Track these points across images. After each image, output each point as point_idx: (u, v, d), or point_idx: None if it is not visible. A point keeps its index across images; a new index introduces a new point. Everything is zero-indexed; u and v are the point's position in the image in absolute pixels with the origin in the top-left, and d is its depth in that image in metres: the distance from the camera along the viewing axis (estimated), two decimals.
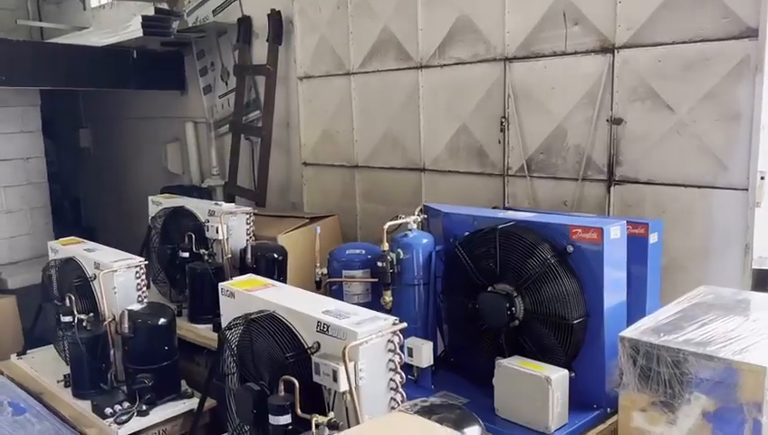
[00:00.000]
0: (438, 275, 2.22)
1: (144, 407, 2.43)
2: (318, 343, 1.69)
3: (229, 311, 2.02)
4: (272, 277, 2.84)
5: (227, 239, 3.08)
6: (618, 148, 2.62)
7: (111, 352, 2.61)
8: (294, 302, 1.86)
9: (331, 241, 3.33)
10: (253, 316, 1.82)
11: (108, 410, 2.40)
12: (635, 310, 2.05)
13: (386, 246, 2.10)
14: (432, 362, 2.00)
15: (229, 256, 3.03)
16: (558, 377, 1.73)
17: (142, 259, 2.75)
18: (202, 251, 3.06)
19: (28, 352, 3.09)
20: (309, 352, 1.70)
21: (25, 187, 5.40)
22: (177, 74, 5.05)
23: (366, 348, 1.59)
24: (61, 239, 3.12)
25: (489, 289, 1.94)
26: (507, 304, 1.87)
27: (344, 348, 1.53)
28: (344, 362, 1.52)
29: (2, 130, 5.18)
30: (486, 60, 2.96)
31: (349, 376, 1.53)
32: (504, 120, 2.92)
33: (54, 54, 4.43)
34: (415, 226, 2.19)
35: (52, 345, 3.14)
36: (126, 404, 2.45)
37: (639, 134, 2.56)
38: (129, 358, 2.49)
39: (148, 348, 2.48)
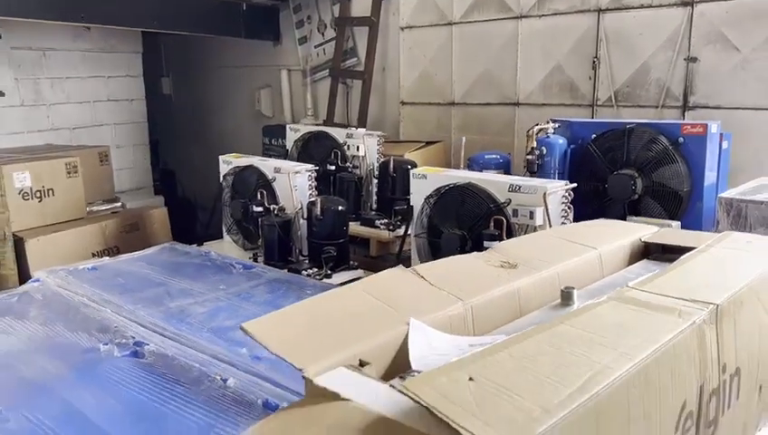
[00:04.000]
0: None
1: (329, 272, 3.19)
2: (509, 199, 2.44)
3: (422, 189, 2.75)
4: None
5: (365, 156, 3.82)
6: (692, 81, 3.35)
7: (299, 233, 3.36)
8: (480, 175, 2.61)
9: (438, 162, 4.07)
10: (458, 184, 2.56)
11: (304, 273, 3.16)
12: None
13: (534, 144, 2.83)
14: None
15: (371, 168, 3.76)
16: (676, 224, 2.49)
17: (313, 167, 3.47)
18: (347, 165, 3.79)
19: (204, 243, 3.83)
20: (503, 205, 2.45)
21: (129, 125, 6.11)
22: (272, 26, 5.71)
23: (552, 197, 2.33)
24: (229, 154, 3.83)
25: (615, 173, 2.69)
26: (631, 183, 2.62)
27: (544, 193, 2.27)
28: (545, 203, 2.27)
29: (113, 74, 5.87)
30: (582, 11, 3.67)
31: (545, 214, 2.28)
32: (595, 59, 3.63)
33: (180, 2, 5.04)
34: (552, 130, 2.92)
35: (219, 240, 3.90)
36: (314, 269, 3.20)
37: (710, 69, 3.29)
38: (317, 235, 3.23)
39: (332, 227, 3.22)
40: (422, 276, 1.35)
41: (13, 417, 1.66)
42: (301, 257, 3.35)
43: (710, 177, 2.62)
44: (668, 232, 1.83)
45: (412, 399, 0.82)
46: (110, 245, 4.00)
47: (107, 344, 2.09)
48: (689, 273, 1.40)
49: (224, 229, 3.81)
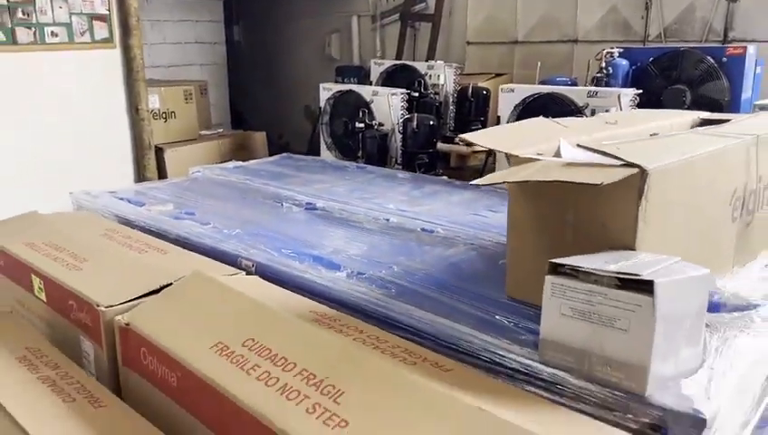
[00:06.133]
0: None
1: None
2: (587, 103, 3.07)
3: (510, 101, 3.39)
4: (486, 107, 4.25)
5: (445, 84, 4.45)
6: (732, 18, 3.93)
7: (394, 145, 4.03)
8: (561, 87, 3.24)
9: None
10: (543, 93, 3.20)
11: None
12: None
13: (603, 64, 3.45)
14: None
15: (453, 94, 4.41)
16: None
17: (405, 91, 4.12)
18: (429, 91, 4.43)
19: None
20: (582, 108, 3.09)
21: (212, 66, 6.77)
22: None
23: (624, 99, 2.97)
24: (326, 84, 4.48)
25: (669, 87, 3.31)
26: (683, 95, 3.25)
27: (618, 95, 2.91)
28: (618, 103, 2.90)
29: (200, 18, 6.51)
30: None
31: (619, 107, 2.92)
32: (648, 1, 4.21)
33: None
34: (617, 54, 3.53)
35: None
36: (408, 174, 3.87)
37: (748, 8, 3.86)
38: (412, 145, 3.90)
39: (425, 138, 3.89)
40: (557, 123, 2.00)
41: (257, 248, 2.35)
42: (396, 166, 4.02)
43: (746, 92, 3.23)
44: (719, 114, 2.46)
45: (592, 150, 1.49)
46: (225, 159, 4.68)
47: (286, 204, 2.79)
48: (738, 124, 2.04)
49: (322, 146, 4.48)
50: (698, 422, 1.15)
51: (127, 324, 1.59)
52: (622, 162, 1.42)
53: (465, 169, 4.16)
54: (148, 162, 4.07)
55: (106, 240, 2.22)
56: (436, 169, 3.98)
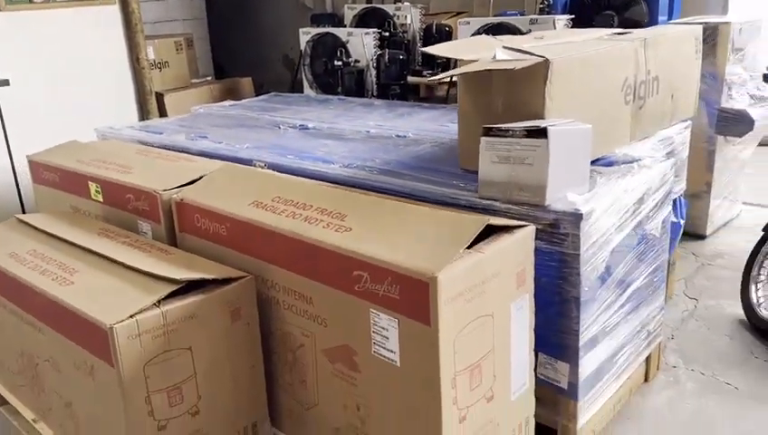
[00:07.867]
0: None
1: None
2: (530, 29, 3.63)
3: (466, 31, 3.92)
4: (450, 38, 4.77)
5: (411, 23, 4.96)
6: None
7: (370, 79, 4.56)
8: (508, 18, 3.79)
9: None
10: (493, 23, 3.75)
11: None
12: None
13: None
14: None
15: (419, 32, 4.92)
16: None
17: (377, 30, 4.62)
18: (397, 31, 4.94)
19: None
20: (525, 33, 3.64)
21: (193, 21, 7.15)
22: None
23: (559, 24, 3.53)
24: (305, 28, 4.97)
25: (600, 14, 3.87)
26: (611, 20, 3.81)
27: (553, 20, 3.46)
28: (554, 26, 3.46)
29: None
30: None
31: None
32: None
33: None
34: None
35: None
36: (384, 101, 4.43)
37: None
38: (386, 78, 4.43)
39: (396, 72, 4.42)
40: (496, 38, 2.57)
41: (266, 154, 2.90)
42: (372, 97, 4.56)
43: (663, 15, 3.80)
44: (627, 30, 3.03)
45: (516, 50, 2.07)
46: (217, 102, 5.18)
47: (282, 127, 3.34)
48: (634, 33, 2.63)
49: (304, 84, 4.99)
50: (578, 216, 1.76)
51: (181, 200, 2.15)
52: (534, 56, 2.00)
53: (433, 99, 4.70)
54: (151, 106, 4.55)
55: (141, 156, 2.76)
56: (407, 98, 4.52)
